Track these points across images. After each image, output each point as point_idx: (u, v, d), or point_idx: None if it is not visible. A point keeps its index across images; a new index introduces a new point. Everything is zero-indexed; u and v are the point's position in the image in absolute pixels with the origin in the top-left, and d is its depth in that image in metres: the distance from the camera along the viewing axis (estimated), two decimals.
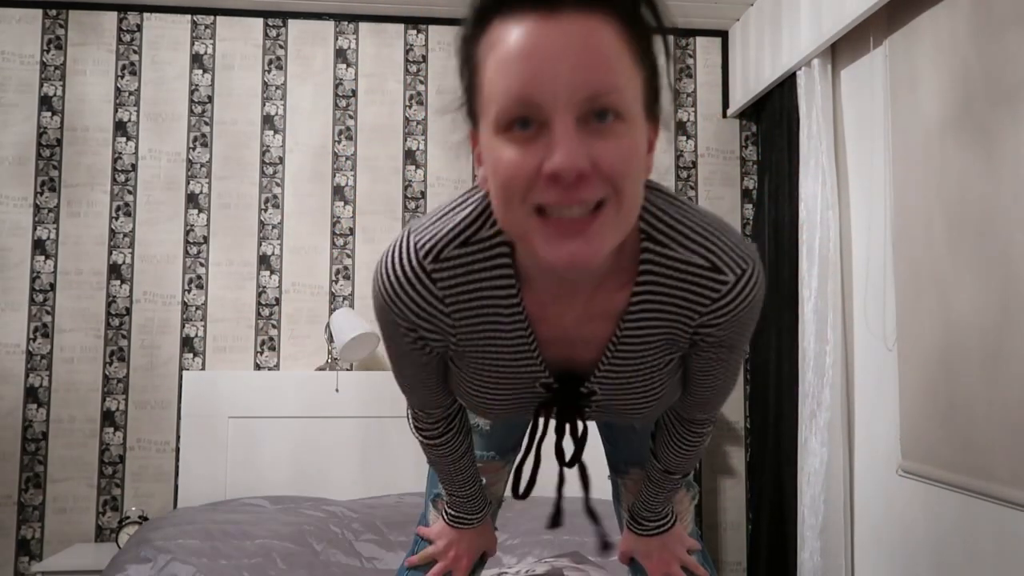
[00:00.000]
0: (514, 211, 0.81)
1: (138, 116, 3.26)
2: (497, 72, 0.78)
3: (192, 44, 3.31)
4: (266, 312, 3.25)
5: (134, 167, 3.24)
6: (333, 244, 3.30)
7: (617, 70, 0.78)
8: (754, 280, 0.99)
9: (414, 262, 0.96)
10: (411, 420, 1.25)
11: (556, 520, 1.24)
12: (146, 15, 3.29)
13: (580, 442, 1.12)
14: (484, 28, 0.80)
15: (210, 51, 3.32)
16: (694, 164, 3.45)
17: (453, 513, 1.36)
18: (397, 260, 0.97)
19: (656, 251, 0.95)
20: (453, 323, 1.01)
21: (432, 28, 3.41)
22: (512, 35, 0.77)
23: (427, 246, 0.96)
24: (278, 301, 3.26)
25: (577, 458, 1.13)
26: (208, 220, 3.25)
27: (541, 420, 1.11)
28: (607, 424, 1.42)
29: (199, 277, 3.23)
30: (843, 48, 2.83)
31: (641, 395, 1.08)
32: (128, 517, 2.98)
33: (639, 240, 0.95)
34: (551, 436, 1.13)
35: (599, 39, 0.77)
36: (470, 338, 1.02)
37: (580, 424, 1.12)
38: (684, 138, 3.46)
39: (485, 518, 1.38)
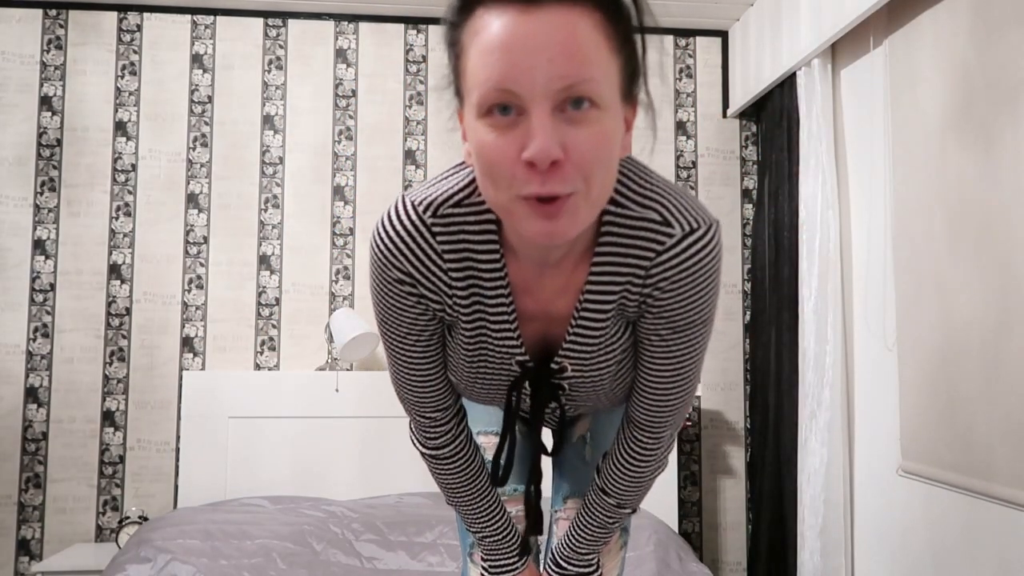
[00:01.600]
0: (499, 194, 0.86)
1: (138, 116, 3.26)
2: (479, 61, 0.82)
3: (192, 44, 3.31)
4: (266, 312, 3.25)
5: (134, 167, 3.24)
6: (333, 244, 3.30)
7: (593, 61, 0.81)
8: (704, 241, 0.97)
9: (413, 216, 0.99)
10: (414, 433, 1.20)
11: (536, 527, 1.22)
12: (146, 15, 3.29)
13: (560, 429, 1.14)
14: (468, 15, 0.85)
15: (210, 51, 3.32)
16: (694, 164, 3.45)
17: (492, 563, 1.25)
18: (395, 216, 1.00)
19: (616, 212, 0.98)
20: (450, 282, 1.02)
21: (432, 28, 3.41)
22: (494, 26, 0.81)
23: (424, 203, 0.99)
24: (278, 301, 3.26)
25: (558, 447, 1.15)
26: (208, 220, 3.25)
27: (515, 401, 1.12)
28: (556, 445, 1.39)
29: (199, 277, 3.23)
30: (843, 48, 2.83)
31: (605, 370, 1.10)
32: (128, 517, 2.98)
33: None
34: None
35: (576, 31, 0.80)
36: (461, 304, 1.04)
37: (558, 413, 1.14)
38: (684, 138, 3.46)
39: (528, 562, 1.27)
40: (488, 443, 1.33)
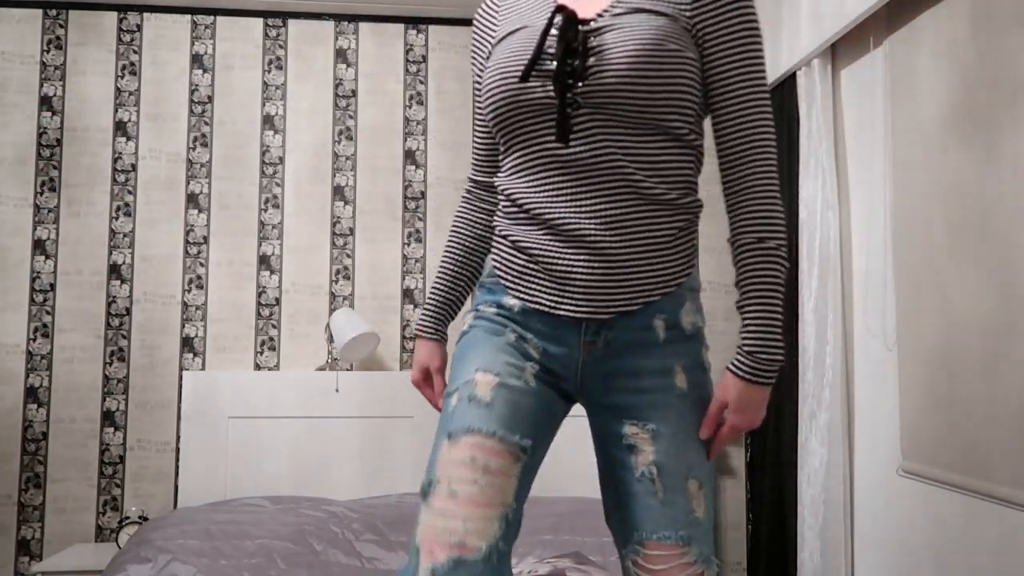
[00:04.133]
0: None
1: (138, 116, 3.26)
2: None
3: (192, 44, 3.31)
4: (266, 312, 3.25)
5: (134, 167, 3.24)
6: (333, 244, 3.30)
7: None
8: None
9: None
10: (466, 186, 1.52)
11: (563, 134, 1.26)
12: (146, 15, 3.29)
13: (583, 60, 1.22)
14: None
15: (210, 51, 3.32)
16: None
17: (418, 319, 1.51)
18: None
19: None
20: (497, 25, 1.38)
21: (432, 28, 3.41)
22: None
23: None
24: (278, 301, 3.26)
25: (582, 68, 1.21)
26: (208, 220, 3.25)
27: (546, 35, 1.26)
28: (612, 477, 1.26)
29: (199, 277, 3.23)
30: (843, 48, 2.83)
31: (637, 38, 1.20)
32: (128, 517, 2.98)
33: None
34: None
35: None
36: (507, 25, 1.35)
37: (581, 59, 1.23)
38: None
39: (429, 333, 1.46)
40: (484, 380, 1.23)
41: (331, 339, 3.11)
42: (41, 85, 3.22)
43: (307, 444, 3.10)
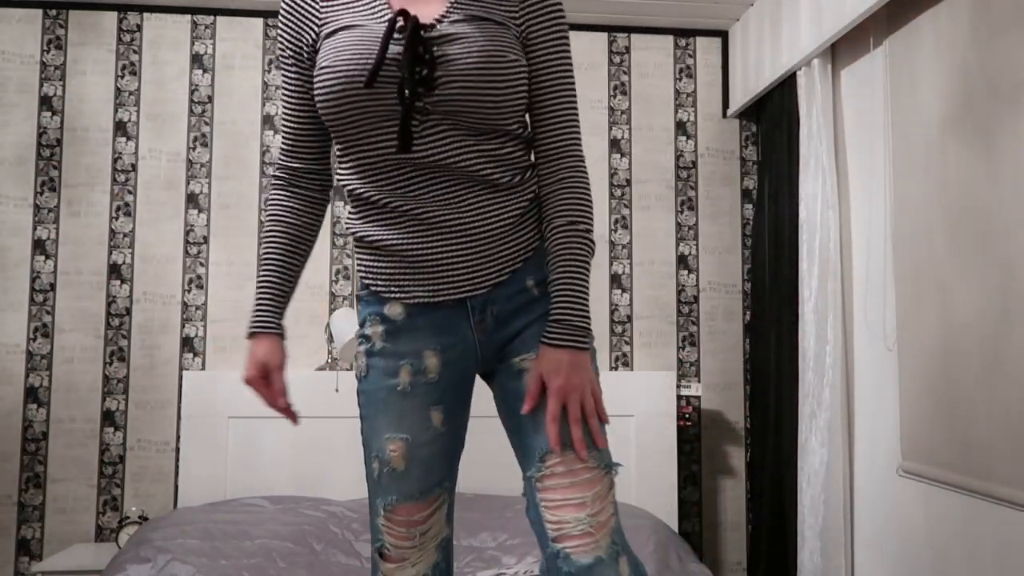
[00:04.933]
0: None
1: (138, 116, 3.26)
2: None
3: (192, 44, 3.31)
4: None
5: (134, 167, 3.24)
6: (333, 244, 3.30)
7: None
8: None
9: None
10: (272, 173, 1.49)
11: (405, 143, 1.27)
12: (146, 15, 3.29)
13: (429, 74, 1.24)
14: None
15: (210, 51, 3.32)
16: (694, 164, 3.45)
17: (251, 317, 1.40)
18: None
19: None
20: (321, 17, 1.35)
21: None
22: None
23: None
24: None
25: (430, 78, 1.25)
26: (208, 220, 3.26)
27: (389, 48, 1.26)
28: (514, 412, 1.33)
29: (199, 277, 3.23)
30: (843, 48, 2.83)
31: (477, 44, 1.26)
32: (128, 517, 2.98)
33: None
34: None
35: None
36: (335, 19, 1.32)
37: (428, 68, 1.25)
38: (684, 138, 3.46)
39: (270, 328, 1.38)
40: (396, 449, 1.33)
41: (331, 339, 3.11)
42: (41, 85, 3.23)
43: (307, 444, 3.10)
